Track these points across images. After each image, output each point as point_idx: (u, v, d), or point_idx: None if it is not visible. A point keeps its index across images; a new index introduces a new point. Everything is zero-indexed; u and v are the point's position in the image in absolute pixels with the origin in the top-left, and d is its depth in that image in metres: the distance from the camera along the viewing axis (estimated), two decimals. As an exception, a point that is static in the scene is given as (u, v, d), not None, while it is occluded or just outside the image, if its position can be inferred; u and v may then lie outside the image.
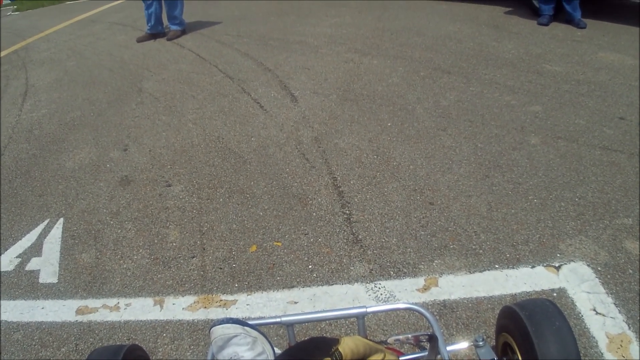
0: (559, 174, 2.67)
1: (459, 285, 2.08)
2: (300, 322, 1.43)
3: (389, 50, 4.70)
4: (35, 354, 2.06)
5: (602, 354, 1.72)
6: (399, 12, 5.91)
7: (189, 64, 5.10)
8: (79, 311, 2.25)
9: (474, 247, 2.27)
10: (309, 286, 2.20)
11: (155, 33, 6.13)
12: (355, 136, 3.30)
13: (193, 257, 2.47)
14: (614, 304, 1.90)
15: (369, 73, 4.25)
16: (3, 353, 2.09)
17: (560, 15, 4.85)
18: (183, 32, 6.12)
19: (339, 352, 1.02)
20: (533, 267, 2.12)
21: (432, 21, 5.42)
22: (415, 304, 1.49)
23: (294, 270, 2.30)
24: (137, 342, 2.02)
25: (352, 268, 2.26)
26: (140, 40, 6.13)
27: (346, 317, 1.55)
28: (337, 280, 2.20)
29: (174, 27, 6.06)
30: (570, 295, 1.96)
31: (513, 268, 2.13)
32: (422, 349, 1.49)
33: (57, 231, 2.80)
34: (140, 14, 6.26)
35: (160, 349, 1.99)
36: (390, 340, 1.50)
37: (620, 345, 1.74)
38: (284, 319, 1.38)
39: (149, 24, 6.03)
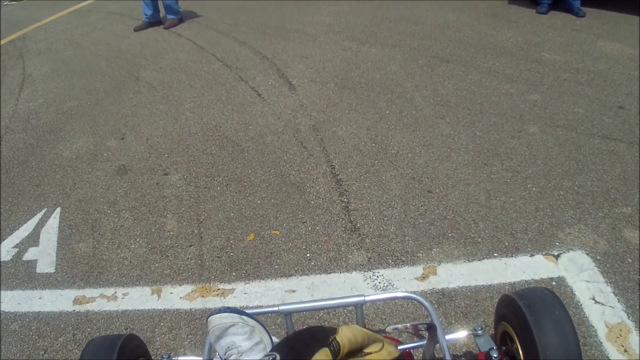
0: (558, 162, 2.66)
1: (458, 274, 2.08)
2: (298, 311, 1.42)
3: (387, 39, 4.67)
4: (33, 344, 2.06)
5: (601, 343, 1.72)
6: (398, 1, 5.86)
7: (187, 52, 5.06)
8: (77, 301, 2.24)
9: (472, 235, 2.27)
10: (307, 275, 2.20)
11: (153, 22, 6.07)
12: (353, 124, 3.28)
13: (191, 246, 2.46)
14: (613, 293, 1.90)
15: (367, 61, 4.21)
16: (1, 343, 2.08)
17: (559, 4, 4.81)
18: (180, 21, 6.07)
19: (337, 341, 1.01)
20: (532, 255, 2.12)
21: (430, 10, 5.37)
22: (414, 292, 1.48)
23: (291, 259, 2.29)
24: (134, 332, 2.01)
25: (350, 256, 2.25)
26: (137, 29, 6.07)
27: (344, 306, 1.54)
28: (335, 269, 2.20)
29: (171, 16, 6.00)
30: (569, 284, 1.96)
31: (512, 257, 2.13)
32: (421, 338, 1.49)
33: (54, 221, 2.79)
34: (137, 3, 6.20)
35: (158, 339, 1.99)
36: (388, 329, 1.49)
37: (620, 335, 1.74)
38: (281, 307, 1.37)
39: (146, 13, 5.98)
